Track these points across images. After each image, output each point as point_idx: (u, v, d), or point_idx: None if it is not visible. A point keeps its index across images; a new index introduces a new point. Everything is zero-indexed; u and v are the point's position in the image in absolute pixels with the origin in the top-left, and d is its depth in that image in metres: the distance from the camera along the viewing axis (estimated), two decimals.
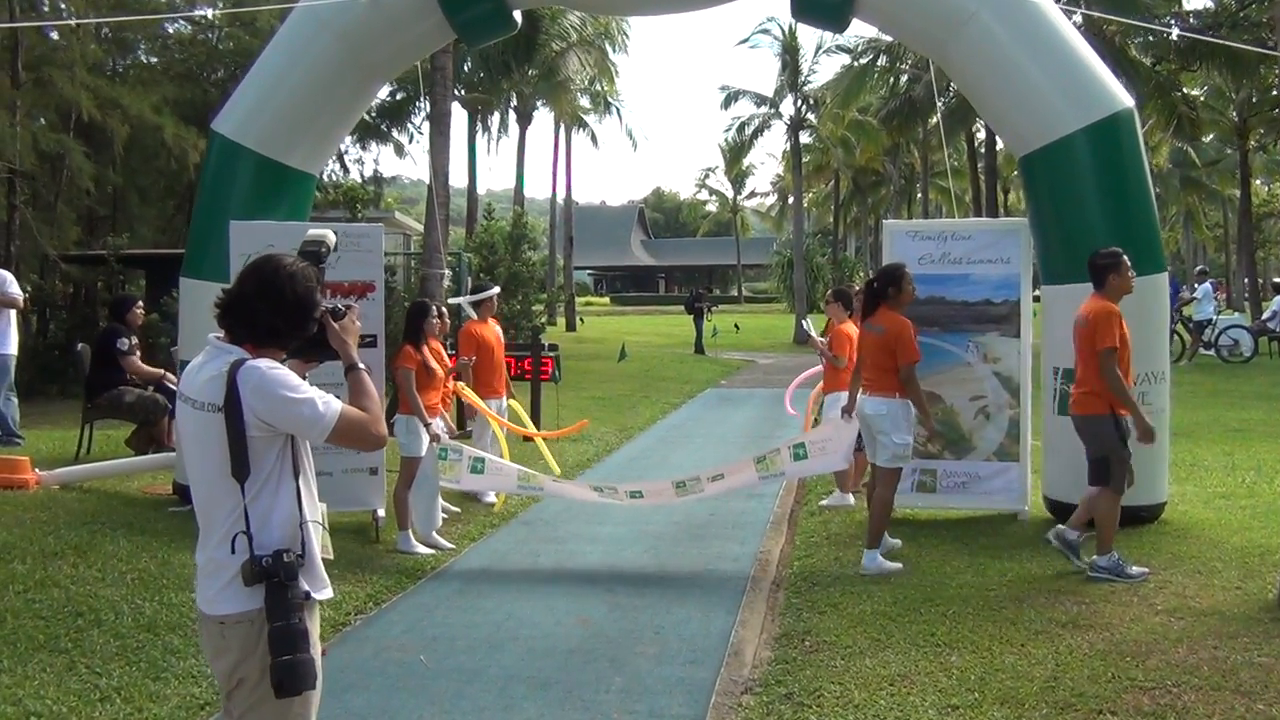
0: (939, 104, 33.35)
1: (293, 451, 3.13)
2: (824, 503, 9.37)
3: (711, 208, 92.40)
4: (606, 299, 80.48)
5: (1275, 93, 32.99)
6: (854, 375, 7.76)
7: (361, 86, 9.36)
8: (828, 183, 62.08)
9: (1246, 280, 37.95)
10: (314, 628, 3.13)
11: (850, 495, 9.38)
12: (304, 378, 3.14)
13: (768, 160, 77.04)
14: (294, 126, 8.85)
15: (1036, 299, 8.82)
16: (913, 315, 7.35)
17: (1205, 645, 5.24)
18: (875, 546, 7.13)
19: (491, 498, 9.53)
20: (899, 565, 7.11)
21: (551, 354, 14.64)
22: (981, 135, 38.43)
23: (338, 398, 3.13)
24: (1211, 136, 44.47)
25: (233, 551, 3.04)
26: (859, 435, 7.64)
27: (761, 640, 6.01)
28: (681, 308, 42.51)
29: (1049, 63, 7.87)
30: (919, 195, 52.55)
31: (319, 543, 3.22)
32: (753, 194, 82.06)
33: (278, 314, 3.11)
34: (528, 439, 11.47)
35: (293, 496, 3.11)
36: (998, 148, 27.45)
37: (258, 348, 3.12)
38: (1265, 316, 25.66)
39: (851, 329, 9.46)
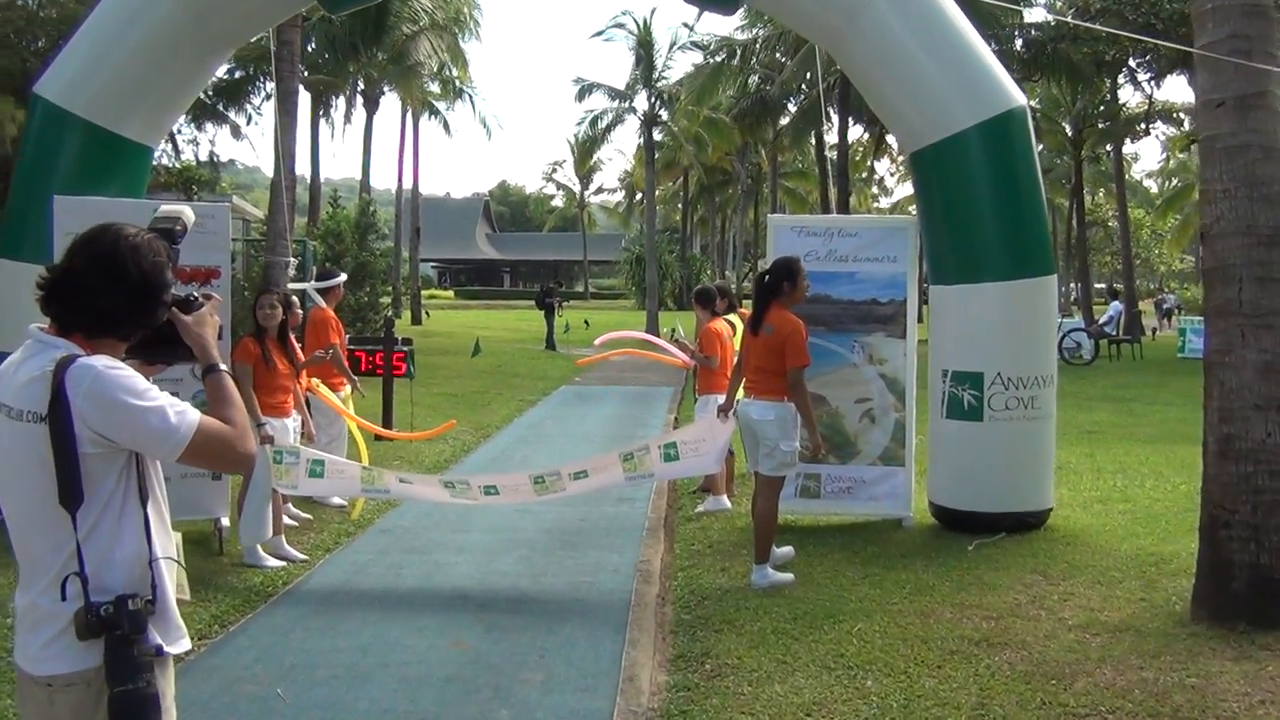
0: (790, 105, 33.68)
1: (139, 472, 2.50)
2: (701, 508, 8.96)
3: (558, 202, 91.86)
4: (451, 292, 78.98)
5: (1108, 101, 34.34)
6: (734, 373, 7.34)
7: (205, 54, 8.49)
8: (676, 180, 62.35)
9: (1079, 285, 39.49)
10: (168, 689, 2.52)
11: (725, 498, 9.01)
12: (149, 381, 2.52)
13: (616, 156, 76.59)
14: (129, 93, 7.96)
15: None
16: (798, 313, 6.92)
17: (1130, 665, 4.99)
18: (764, 561, 6.72)
19: (342, 501, 8.82)
20: (790, 577, 6.72)
21: (405, 349, 13.91)
22: (831, 138, 38.99)
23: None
24: (1041, 147, 46.21)
25: (63, 598, 2.41)
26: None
27: (656, 663, 5.54)
28: (529, 302, 41.86)
29: (944, 56, 7.63)
30: (767, 195, 53.04)
31: (173, 583, 2.60)
32: (600, 190, 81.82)
33: (117, 296, 2.47)
34: (380, 437, 10.78)
35: (139, 528, 2.48)
36: (851, 152, 27.48)
37: (91, 341, 2.49)
38: (1102, 320, 26.59)
39: (721, 325, 9.11)
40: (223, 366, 2.67)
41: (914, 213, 9.12)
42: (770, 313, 6.65)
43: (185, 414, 2.46)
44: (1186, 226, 51.16)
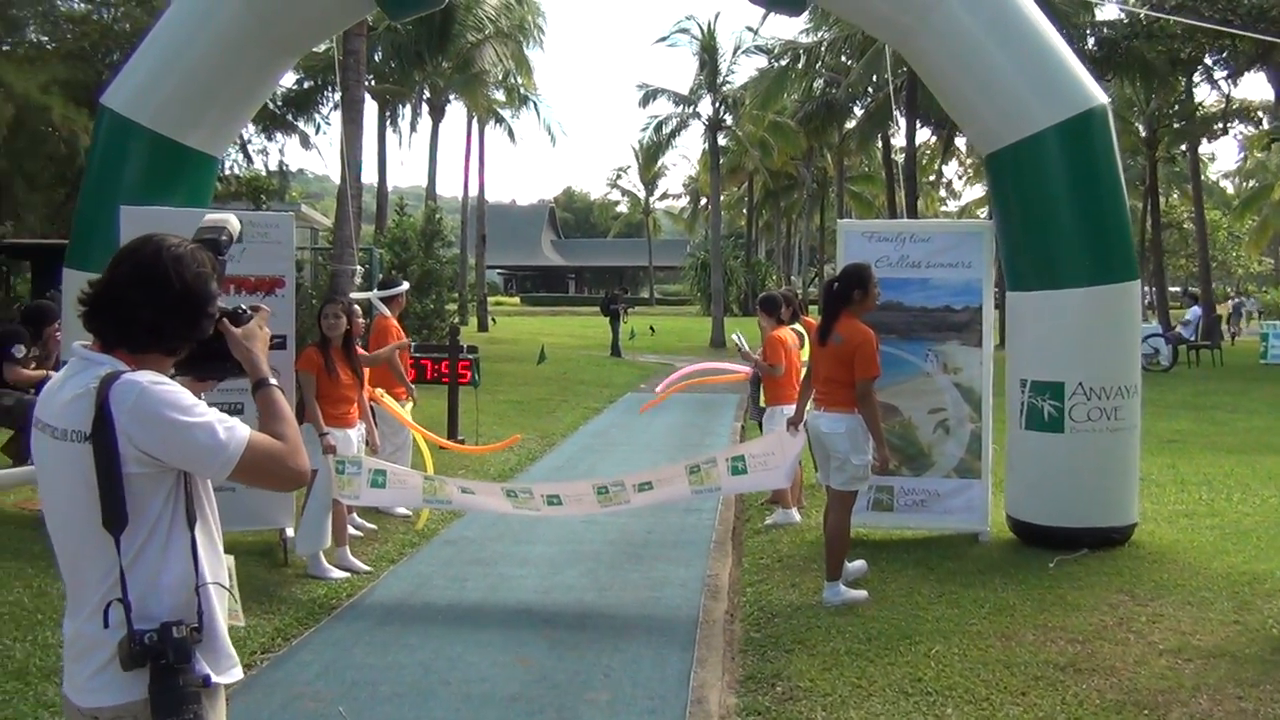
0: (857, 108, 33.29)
1: (187, 493, 2.39)
2: (769, 521, 8.75)
3: (623, 208, 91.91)
4: (516, 299, 79.35)
5: (1183, 100, 33.47)
6: (803, 385, 7.11)
7: (270, 62, 8.47)
8: (741, 185, 62.05)
9: (1154, 289, 38.56)
10: None
11: (795, 511, 8.80)
12: (199, 398, 2.40)
13: (680, 162, 76.60)
14: (194, 103, 7.95)
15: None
16: (868, 321, 6.69)
17: (1227, 695, 4.72)
18: (836, 578, 6.50)
19: (406, 511, 8.74)
20: (864, 594, 6.50)
21: (470, 356, 13.84)
22: (897, 141, 38.53)
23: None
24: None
25: (105, 625, 2.30)
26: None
27: (725, 684, 5.37)
28: (593, 308, 41.79)
29: (1020, 54, 7.36)
30: (833, 200, 52.59)
31: (223, 610, 2.48)
32: (665, 195, 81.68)
33: (159, 309, 2.37)
34: (443, 448, 10.70)
35: (186, 553, 2.37)
36: (919, 155, 27.07)
37: (135, 356, 2.38)
38: (1180, 324, 25.86)
39: (786, 334, 8.90)
40: (273, 381, 2.56)
41: (985, 216, 8.82)
42: (840, 322, 6.43)
43: (234, 430, 2.34)
44: (1265, 228, 49.77)
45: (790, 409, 8.18)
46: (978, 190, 63.83)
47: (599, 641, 6.00)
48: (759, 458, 7.03)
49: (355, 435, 7.50)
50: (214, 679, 2.36)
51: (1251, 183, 56.06)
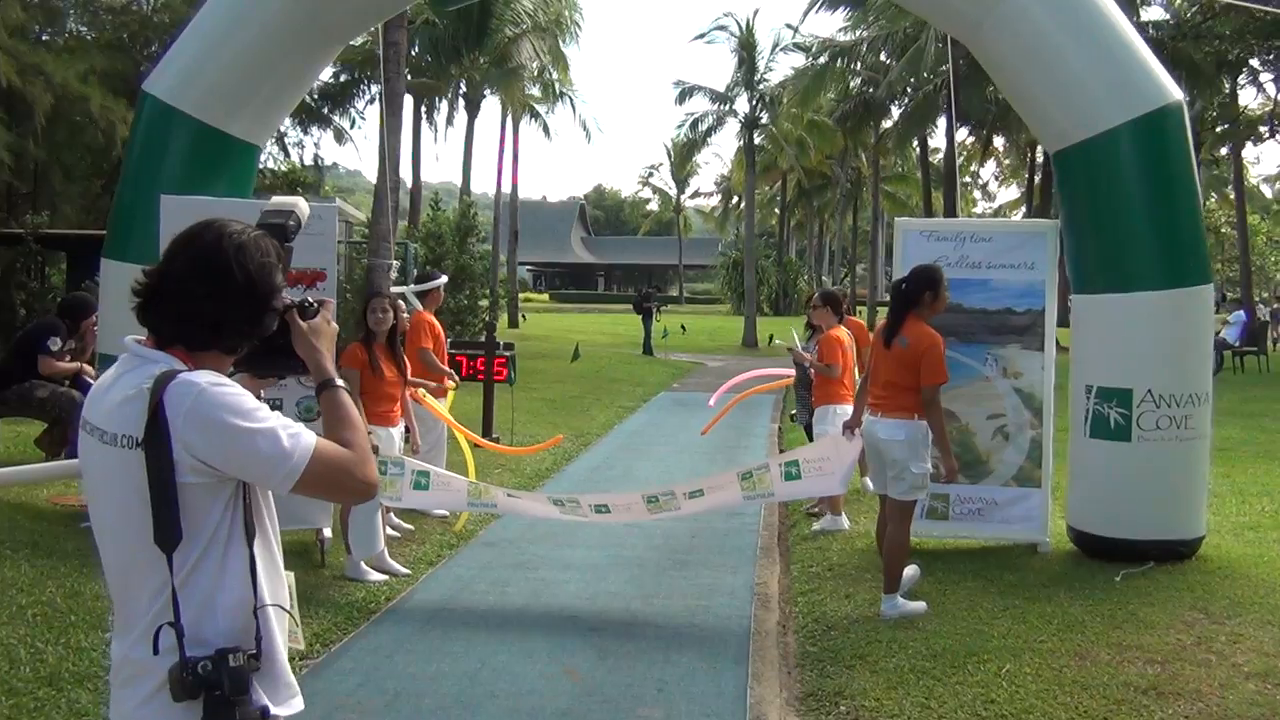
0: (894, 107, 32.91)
1: (246, 505, 2.17)
2: (816, 527, 8.49)
3: (653, 206, 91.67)
4: (546, 296, 79.23)
5: (1226, 102, 32.85)
6: (860, 389, 6.85)
7: (315, 50, 8.29)
8: (774, 184, 61.66)
9: None
10: None
11: (844, 517, 8.53)
12: (259, 398, 2.18)
13: (713, 160, 76.09)
14: (238, 91, 7.78)
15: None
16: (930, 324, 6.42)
17: None
18: (894, 590, 6.24)
19: (443, 512, 8.53)
20: (923, 606, 6.23)
21: (506, 353, 13.63)
22: (935, 141, 38.11)
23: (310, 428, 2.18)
24: None
25: (155, 651, 2.08)
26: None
27: (784, 701, 5.14)
28: (624, 306, 41.54)
29: (1091, 48, 7.06)
30: (866, 199, 52.18)
31: (283, 633, 2.27)
32: (696, 194, 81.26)
33: (222, 302, 2.15)
34: (485, 448, 10.50)
35: (244, 571, 2.15)
36: (957, 155, 26.73)
37: (193, 354, 2.17)
38: (1226, 330, 25.35)
39: (843, 333, 8.65)
40: (339, 382, 2.34)
41: (1020, 217, 8.50)
42: (906, 324, 6.16)
43: (299, 437, 2.12)
44: None
45: (843, 409, 7.93)
46: (1013, 191, 63.18)
47: (649, 652, 5.77)
48: (813, 462, 6.77)
49: (397, 434, 7.31)
50: (273, 710, 2.15)
51: None
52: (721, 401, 13.17)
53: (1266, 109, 34.52)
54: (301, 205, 2.48)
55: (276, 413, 2.14)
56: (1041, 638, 5.64)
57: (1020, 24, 7.17)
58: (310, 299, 2.43)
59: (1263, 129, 34.81)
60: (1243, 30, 23.88)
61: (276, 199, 2.51)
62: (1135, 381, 7.03)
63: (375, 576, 6.96)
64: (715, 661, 5.66)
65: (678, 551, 8.02)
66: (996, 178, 63.08)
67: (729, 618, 6.50)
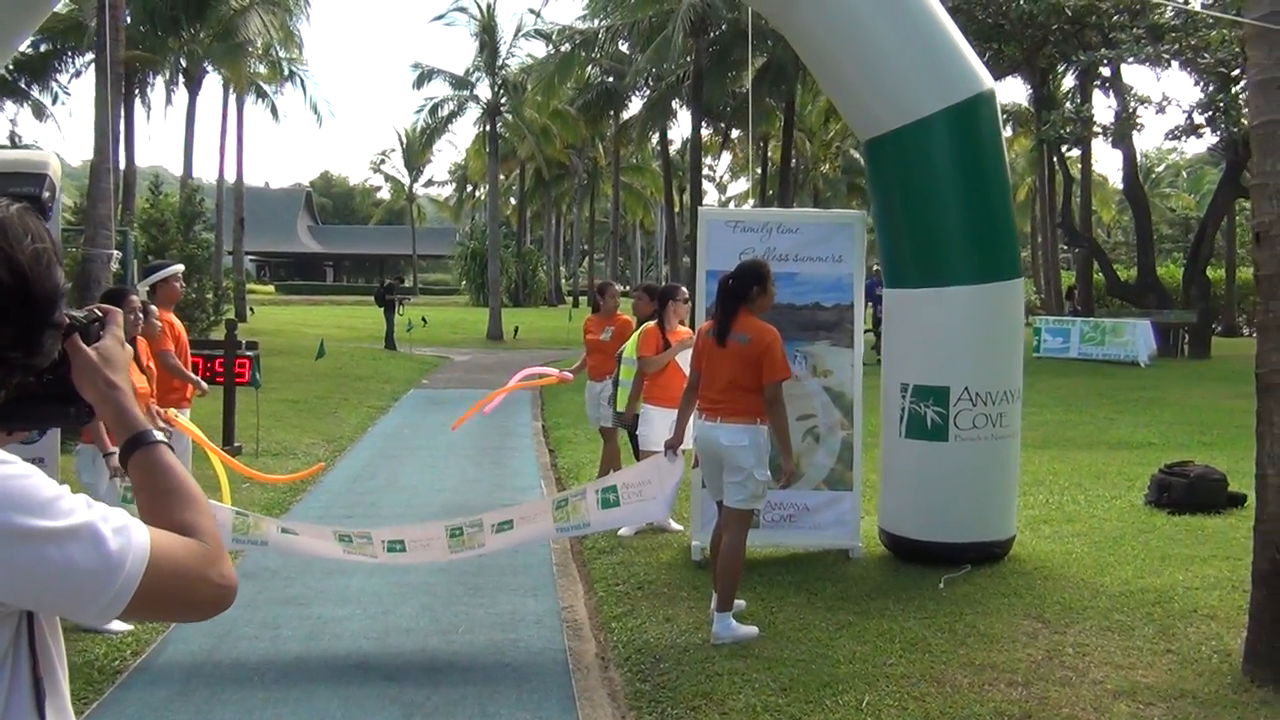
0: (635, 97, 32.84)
1: (31, 651, 1.34)
2: (623, 532, 7.83)
3: (385, 194, 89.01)
4: (271, 287, 75.31)
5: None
6: (685, 396, 6.28)
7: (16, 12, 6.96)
8: (512, 173, 60.97)
9: None
10: None
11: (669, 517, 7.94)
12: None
13: (446, 147, 74.44)
14: None
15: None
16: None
17: None
18: (728, 609, 5.73)
19: None
20: (754, 630, 5.72)
21: (250, 353, 12.34)
22: (674, 133, 38.39)
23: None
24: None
25: None
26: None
27: None
28: (355, 298, 39.81)
29: (907, 33, 6.75)
30: (607, 190, 52.35)
31: None
32: (430, 182, 79.41)
33: None
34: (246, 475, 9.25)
35: None
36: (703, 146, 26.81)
37: None
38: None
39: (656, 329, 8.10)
40: (157, 435, 1.51)
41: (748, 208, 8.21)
42: (739, 321, 5.67)
43: (128, 532, 1.31)
44: None
45: (669, 413, 7.30)
46: (741, 184, 65.02)
47: (460, 703, 4.99)
48: (633, 487, 6.13)
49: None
50: None
51: None
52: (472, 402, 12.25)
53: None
54: (53, 161, 1.73)
55: (83, 496, 1.31)
56: (890, 660, 5.24)
57: (834, 5, 6.79)
58: (92, 310, 1.58)
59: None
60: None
61: (9, 154, 1.64)
62: (952, 379, 6.79)
63: (119, 626, 5.79)
64: (540, 709, 4.95)
65: (467, 574, 7.20)
66: (731, 170, 64.72)
67: (541, 651, 5.79)
